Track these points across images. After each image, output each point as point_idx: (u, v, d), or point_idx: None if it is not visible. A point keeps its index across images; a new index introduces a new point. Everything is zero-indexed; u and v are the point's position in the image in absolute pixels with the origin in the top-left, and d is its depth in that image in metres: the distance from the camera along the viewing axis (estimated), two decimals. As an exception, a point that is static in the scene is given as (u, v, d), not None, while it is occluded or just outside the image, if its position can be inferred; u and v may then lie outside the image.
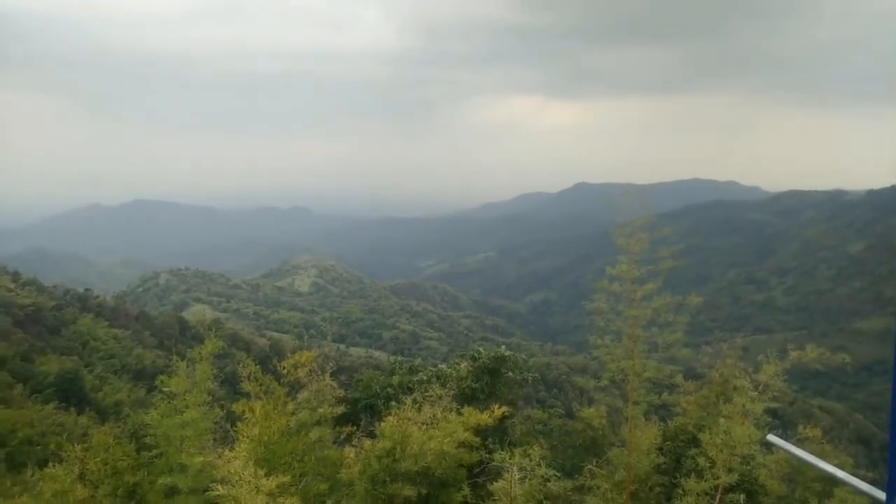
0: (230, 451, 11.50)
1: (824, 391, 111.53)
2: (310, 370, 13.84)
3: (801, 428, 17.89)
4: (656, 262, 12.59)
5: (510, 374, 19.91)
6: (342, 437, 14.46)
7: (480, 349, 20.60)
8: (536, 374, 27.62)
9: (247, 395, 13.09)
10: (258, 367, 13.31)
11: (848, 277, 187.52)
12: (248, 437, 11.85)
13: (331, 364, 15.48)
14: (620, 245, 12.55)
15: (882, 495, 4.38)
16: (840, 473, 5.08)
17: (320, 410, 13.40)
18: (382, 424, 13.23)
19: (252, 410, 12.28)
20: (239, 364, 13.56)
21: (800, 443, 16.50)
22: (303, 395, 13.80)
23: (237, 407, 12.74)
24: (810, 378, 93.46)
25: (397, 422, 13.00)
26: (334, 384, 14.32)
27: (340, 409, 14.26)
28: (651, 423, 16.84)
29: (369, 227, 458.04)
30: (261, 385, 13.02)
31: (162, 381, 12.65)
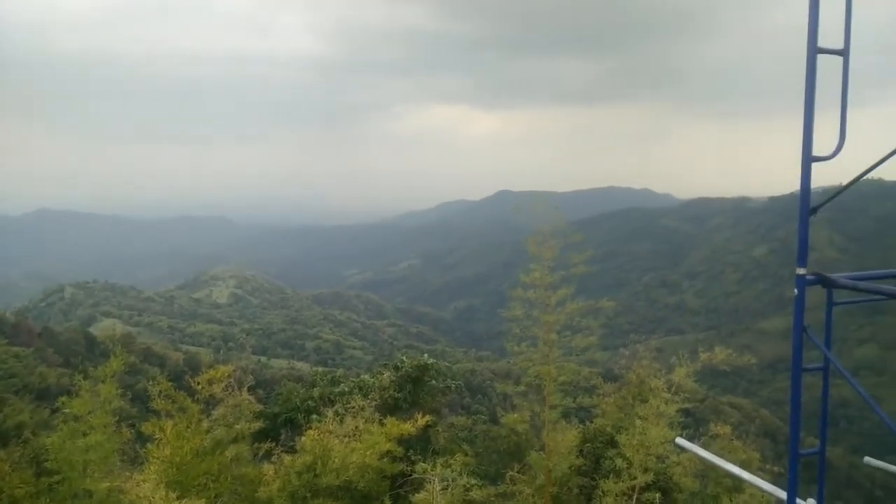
0: (139, 474, 10.95)
1: (733, 388, 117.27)
2: (226, 385, 13.39)
3: (712, 425, 18.65)
4: (569, 268, 12.89)
5: (433, 381, 19.88)
6: (261, 453, 14.02)
7: (404, 358, 20.49)
8: (460, 381, 27.77)
9: (158, 414, 12.53)
10: (171, 383, 12.77)
11: (752, 280, 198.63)
12: (158, 459, 11.33)
13: (249, 378, 15.04)
14: (533, 252, 12.78)
15: (783, 494, 4.59)
16: (745, 475, 5.30)
17: (237, 427, 12.97)
18: (303, 439, 12.94)
19: (163, 430, 11.75)
20: (150, 381, 12.95)
21: (711, 440, 17.20)
22: (219, 412, 13.34)
23: (147, 427, 12.16)
24: (720, 376, 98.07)
25: (318, 435, 12.74)
26: (253, 399, 13.92)
27: (259, 425, 13.86)
28: (571, 425, 17.18)
29: (292, 235, 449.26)
30: (173, 402, 12.48)
31: (63, 403, 11.90)
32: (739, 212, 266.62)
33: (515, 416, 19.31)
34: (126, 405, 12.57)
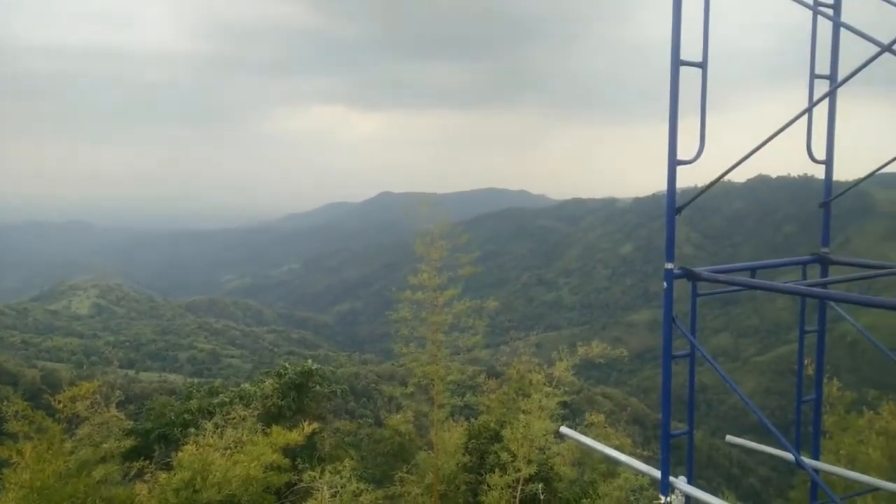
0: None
1: (605, 379, 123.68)
2: (91, 402, 12.53)
3: (587, 415, 19.64)
4: (456, 269, 13.12)
5: (318, 387, 19.55)
6: (132, 473, 13.19)
7: (286, 364, 20.02)
8: (345, 386, 27.42)
9: (14, 437, 11.51)
10: (27, 402, 11.76)
11: (621, 276, 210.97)
12: (16, 485, 10.38)
13: (117, 393, 14.21)
14: (421, 253, 12.90)
15: (657, 473, 4.93)
16: (622, 457, 5.63)
17: (105, 446, 12.17)
18: (179, 454, 12.32)
19: (21, 453, 10.77)
20: (3, 401, 11.88)
21: (587, 428, 18.11)
22: (84, 431, 12.47)
23: (2, 451, 11.13)
24: (594, 368, 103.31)
25: (196, 450, 12.17)
26: (121, 415, 13.14)
27: (130, 443, 13.08)
28: (458, 423, 17.48)
29: (163, 241, 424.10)
30: (31, 423, 11.49)
31: None
32: (608, 212, 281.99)
33: (399, 417, 19.42)
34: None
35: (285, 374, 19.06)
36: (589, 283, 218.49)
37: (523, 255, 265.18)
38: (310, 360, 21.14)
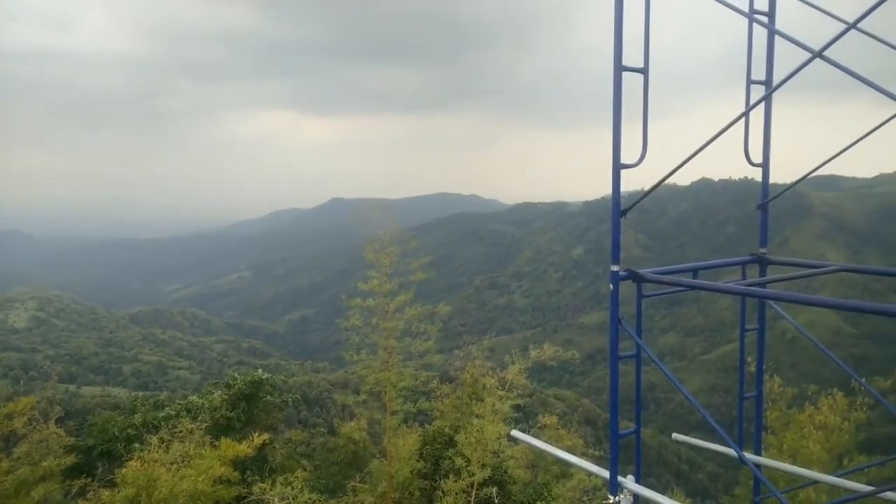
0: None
1: (557, 381, 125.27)
2: (30, 419, 12.03)
3: (540, 417, 19.83)
4: (407, 275, 13.08)
5: (269, 397, 19.21)
6: (74, 491, 12.70)
7: (235, 375, 19.60)
8: (297, 395, 27.02)
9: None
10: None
11: (572, 279, 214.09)
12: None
13: (57, 409, 13.71)
14: (370, 260, 12.81)
15: (606, 473, 4.98)
16: (572, 459, 5.68)
17: (45, 464, 11.70)
18: (123, 470, 11.92)
19: (-50, 477, 10.25)
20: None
21: (540, 430, 18.27)
22: (21, 449, 11.98)
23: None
24: (546, 370, 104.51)
25: (141, 465, 11.78)
26: (62, 432, 12.67)
27: (71, 460, 12.61)
28: (412, 430, 17.41)
29: (106, 250, 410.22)
30: (-38, 444, 10.95)
31: None
32: (559, 215, 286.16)
33: (353, 424, 19.24)
34: None
35: (235, 385, 18.67)
36: (541, 286, 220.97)
37: (476, 260, 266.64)
38: (260, 370, 20.77)
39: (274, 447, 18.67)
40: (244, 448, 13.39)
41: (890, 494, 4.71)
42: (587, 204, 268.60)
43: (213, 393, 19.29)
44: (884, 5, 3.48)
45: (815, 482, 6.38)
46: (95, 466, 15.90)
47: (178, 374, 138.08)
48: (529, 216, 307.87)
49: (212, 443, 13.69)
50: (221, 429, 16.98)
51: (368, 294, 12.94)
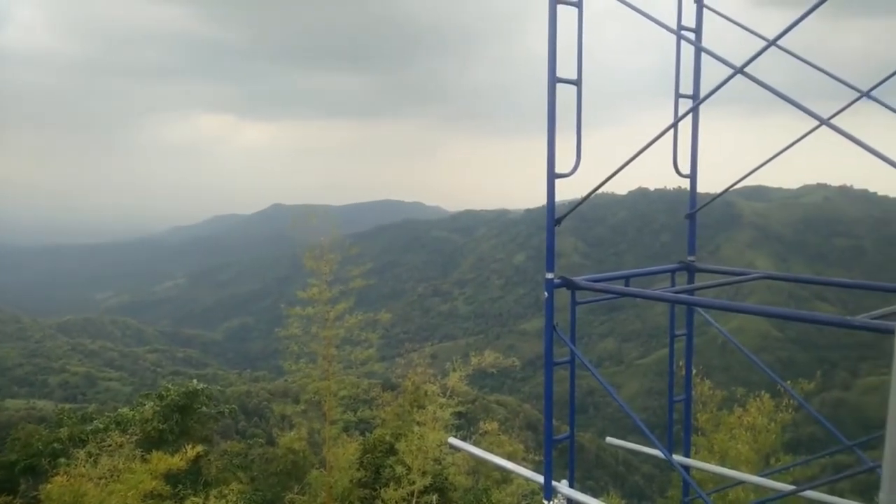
0: None
1: (499, 387, 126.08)
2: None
3: (482, 423, 19.93)
4: (348, 282, 12.97)
5: (204, 408, 18.72)
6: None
7: (169, 385, 19.03)
8: (234, 405, 26.39)
9: None
10: None
11: (514, 285, 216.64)
12: None
13: (-26, 424, 12.90)
14: (310, 267, 12.65)
15: (541, 479, 5.04)
16: (509, 465, 5.73)
17: (-41, 483, 11.01)
18: (48, 486, 11.40)
19: None
20: None
21: (481, 436, 18.36)
22: (-68, 469, 11.22)
23: None
24: (488, 377, 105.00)
25: (67, 481, 11.29)
26: (-21, 449, 11.92)
27: (-12, 478, 11.90)
28: (353, 439, 17.22)
29: (32, 256, 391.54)
30: None
31: None
32: (501, 222, 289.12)
33: (292, 434, 18.90)
34: None
35: (167, 396, 18.11)
36: (483, 292, 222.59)
37: (419, 267, 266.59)
38: (195, 380, 20.24)
39: (209, 459, 18.16)
40: (177, 461, 12.98)
41: (811, 493, 4.93)
42: (528, 211, 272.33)
43: (144, 405, 18.69)
44: (803, 23, 3.67)
45: (741, 482, 6.62)
46: (18, 483, 15.16)
47: (108, 386, 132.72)
48: (472, 223, 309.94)
49: (143, 456, 13.23)
50: (153, 442, 16.44)
51: (308, 302, 12.75)
